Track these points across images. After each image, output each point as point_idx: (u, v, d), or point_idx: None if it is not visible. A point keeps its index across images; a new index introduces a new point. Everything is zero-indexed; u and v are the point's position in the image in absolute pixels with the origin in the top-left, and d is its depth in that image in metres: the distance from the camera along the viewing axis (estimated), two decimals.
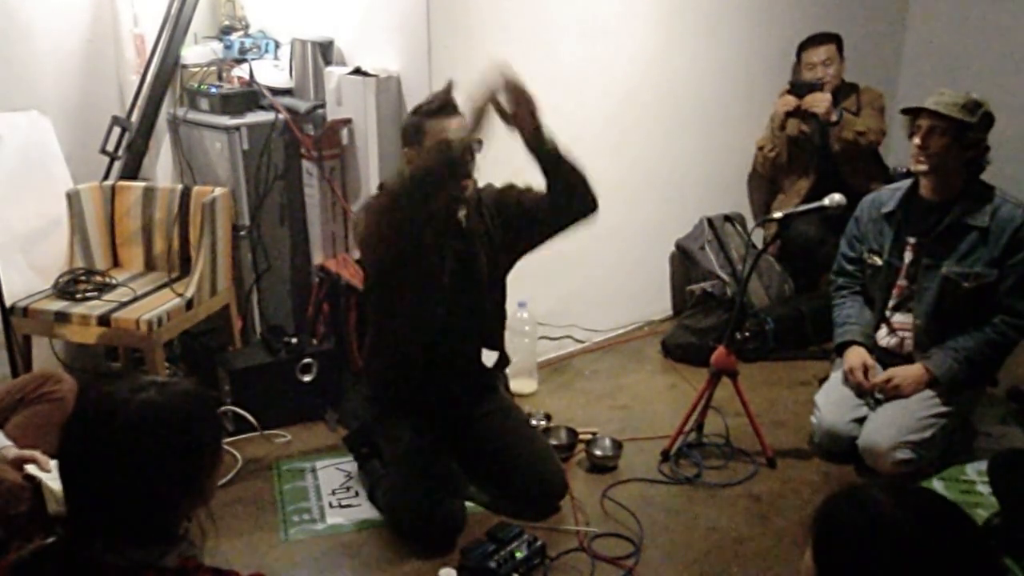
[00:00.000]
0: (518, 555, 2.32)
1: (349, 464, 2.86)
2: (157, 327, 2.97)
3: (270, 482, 2.82)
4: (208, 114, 3.33)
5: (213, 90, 3.32)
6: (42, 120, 3.26)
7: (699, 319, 3.66)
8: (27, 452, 2.11)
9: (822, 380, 3.12)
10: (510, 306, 3.12)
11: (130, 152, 3.43)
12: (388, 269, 2.50)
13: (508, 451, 2.65)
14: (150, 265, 3.40)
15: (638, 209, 3.78)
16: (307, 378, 3.15)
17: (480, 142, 2.45)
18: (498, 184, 2.67)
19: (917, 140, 2.75)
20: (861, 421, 2.83)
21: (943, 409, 2.77)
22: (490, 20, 3.14)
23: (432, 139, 2.39)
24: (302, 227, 3.47)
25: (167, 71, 3.42)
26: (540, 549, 2.38)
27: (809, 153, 3.94)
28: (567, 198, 2.50)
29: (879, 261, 2.93)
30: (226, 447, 2.88)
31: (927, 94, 2.79)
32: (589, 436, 2.96)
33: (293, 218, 3.45)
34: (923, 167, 2.76)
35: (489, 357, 2.78)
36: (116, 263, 3.43)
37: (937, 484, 2.75)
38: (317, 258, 3.44)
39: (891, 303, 2.93)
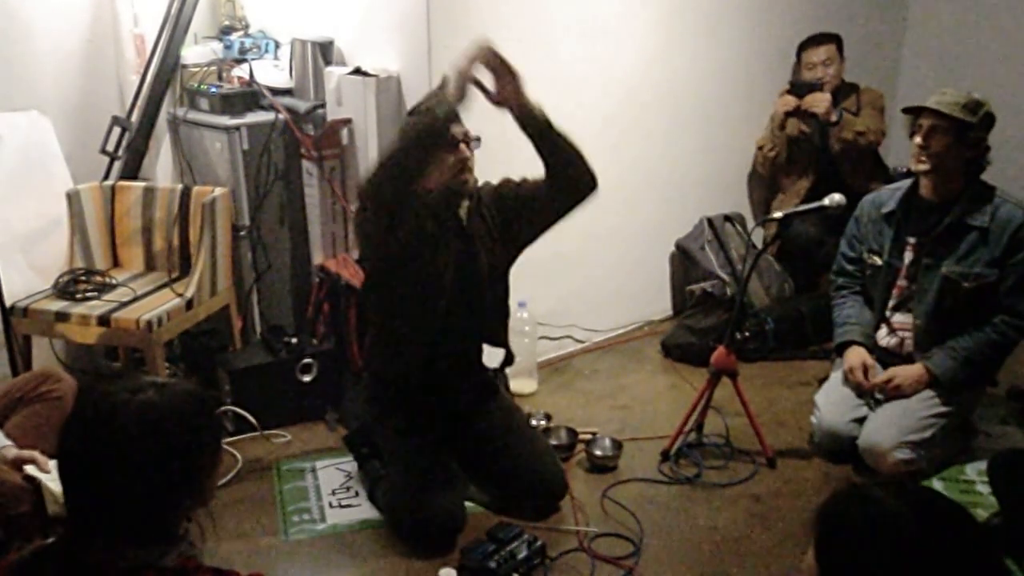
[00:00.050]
0: (518, 555, 2.32)
1: (349, 464, 2.86)
2: (157, 327, 2.97)
3: (270, 482, 2.82)
4: (208, 114, 3.33)
5: (213, 90, 3.32)
6: (42, 120, 3.26)
7: (699, 319, 3.66)
8: (26, 452, 2.11)
9: (822, 380, 3.12)
10: (510, 306, 3.12)
11: (130, 152, 3.43)
12: (387, 261, 2.49)
13: (508, 451, 2.65)
14: (150, 265, 3.40)
15: (638, 209, 3.78)
16: (307, 378, 3.15)
17: (478, 139, 2.46)
18: (494, 181, 2.67)
19: (918, 139, 2.75)
20: (861, 421, 2.83)
21: (943, 409, 2.77)
22: (490, 20, 3.14)
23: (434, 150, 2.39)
24: (302, 227, 3.47)
25: (167, 71, 3.42)
26: (540, 549, 2.38)
27: (809, 153, 3.94)
28: (564, 174, 2.48)
29: (879, 261, 2.93)
30: (226, 447, 2.88)
31: (927, 94, 2.79)
32: (589, 436, 2.96)
33: (293, 218, 3.45)
34: (924, 166, 2.76)
35: (494, 356, 2.78)
36: (116, 263, 3.43)
37: (937, 484, 2.75)
38: (317, 258, 3.44)
39: (891, 303, 2.93)
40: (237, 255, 3.37)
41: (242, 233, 3.35)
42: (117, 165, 3.45)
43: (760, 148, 4.02)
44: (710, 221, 3.89)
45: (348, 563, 2.46)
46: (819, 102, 3.74)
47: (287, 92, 3.46)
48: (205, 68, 3.45)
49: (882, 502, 1.14)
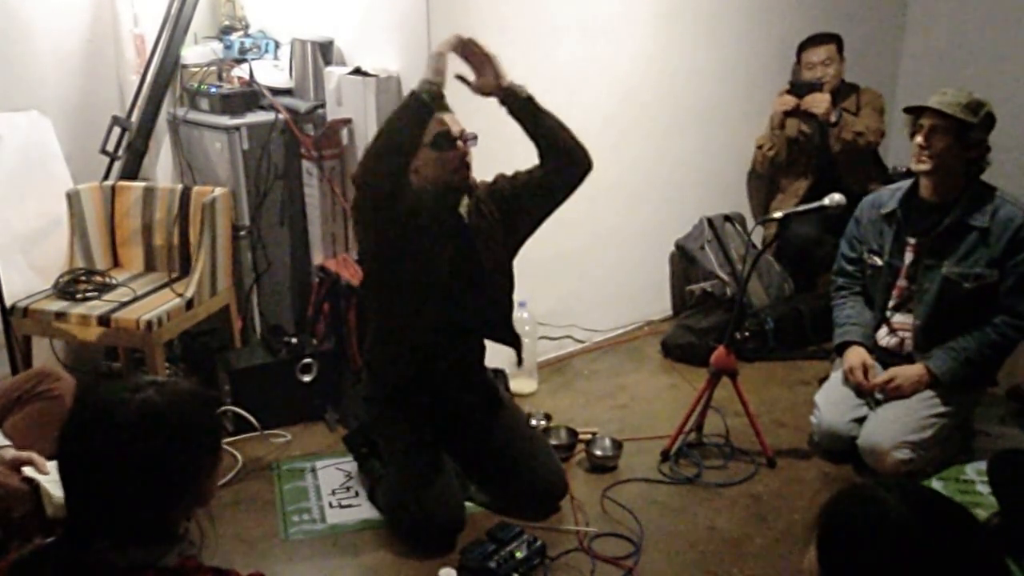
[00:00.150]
0: (518, 555, 2.32)
1: (349, 464, 2.86)
2: (157, 327, 2.97)
3: (270, 482, 2.82)
4: (208, 114, 3.33)
5: (213, 90, 3.32)
6: (42, 120, 3.26)
7: (699, 319, 3.66)
8: (24, 454, 2.11)
9: (822, 380, 3.12)
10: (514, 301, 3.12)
11: (130, 152, 3.43)
12: (385, 255, 2.49)
13: (508, 451, 2.65)
14: (150, 265, 3.40)
15: (638, 209, 3.78)
16: (307, 378, 3.15)
17: (475, 136, 2.46)
18: (488, 180, 2.67)
19: (919, 139, 2.75)
20: (861, 421, 2.83)
21: (943, 409, 2.77)
22: (490, 20, 3.14)
23: (427, 135, 2.40)
24: (302, 227, 3.47)
25: (167, 71, 3.42)
26: (540, 549, 2.38)
27: (808, 154, 3.94)
28: (555, 152, 2.50)
29: (879, 261, 2.93)
30: (226, 447, 2.88)
31: (927, 94, 2.79)
32: (589, 436, 2.96)
33: (293, 218, 3.45)
34: (925, 166, 2.76)
35: (497, 355, 2.77)
36: (116, 263, 3.43)
37: (937, 484, 2.75)
38: (317, 258, 3.44)
39: (891, 303, 2.93)
40: (237, 255, 3.37)
41: (242, 233, 3.35)
42: (117, 165, 3.45)
43: (760, 147, 4.02)
44: (710, 221, 3.89)
45: (348, 563, 2.46)
46: (819, 102, 3.74)
47: (287, 92, 3.46)
48: (205, 68, 3.45)
49: (884, 502, 1.14)
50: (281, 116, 3.31)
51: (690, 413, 2.91)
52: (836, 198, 2.76)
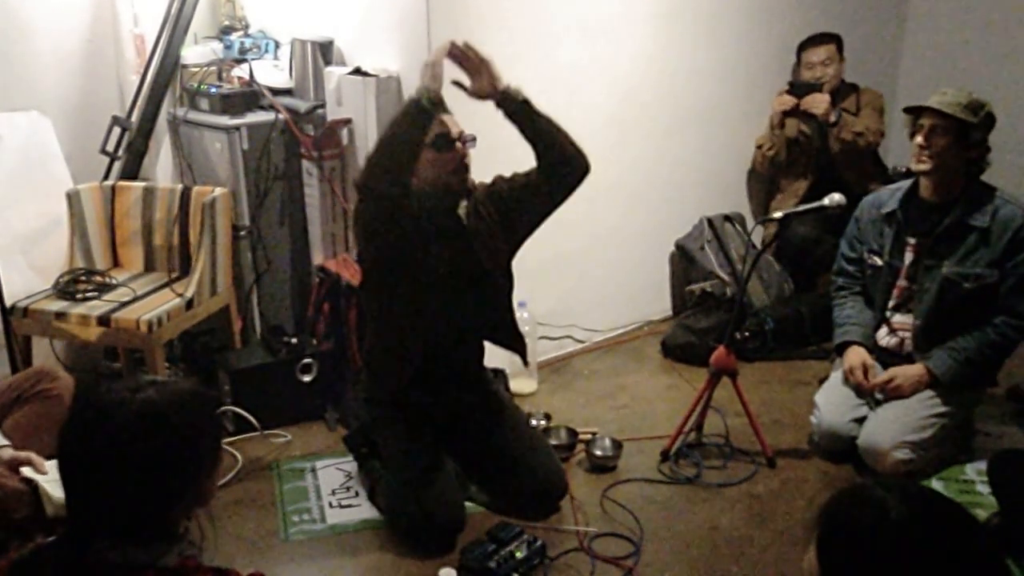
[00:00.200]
0: (518, 555, 2.32)
1: (349, 464, 2.86)
2: (157, 327, 2.97)
3: (270, 482, 2.82)
4: (208, 114, 3.33)
5: (213, 90, 3.32)
6: (42, 120, 3.26)
7: (699, 319, 3.66)
8: (22, 454, 2.10)
9: (822, 380, 3.12)
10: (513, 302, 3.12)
11: (130, 152, 3.43)
12: (385, 258, 2.49)
13: (508, 451, 2.65)
14: (150, 265, 3.40)
15: (638, 209, 3.78)
16: (307, 378, 3.15)
17: (474, 138, 2.46)
18: (487, 181, 2.67)
19: (919, 139, 2.74)
20: (861, 421, 2.83)
21: (943, 409, 2.77)
22: (490, 20, 3.14)
23: (426, 137, 2.40)
24: (302, 227, 3.47)
25: (167, 71, 3.42)
26: (540, 549, 2.38)
27: (808, 154, 3.94)
28: (552, 156, 2.49)
29: (879, 262, 2.93)
30: (226, 447, 2.88)
31: (927, 94, 2.79)
32: (589, 436, 2.96)
33: (293, 218, 3.45)
34: (925, 166, 2.76)
35: (499, 356, 2.77)
36: (116, 263, 3.43)
37: (937, 484, 2.75)
38: (317, 258, 3.44)
39: (891, 303, 2.93)
40: (237, 255, 3.37)
41: (242, 233, 3.35)
42: (117, 165, 3.45)
43: (759, 147, 4.02)
44: (710, 221, 3.89)
45: (348, 563, 2.46)
46: (818, 103, 3.74)
47: (287, 92, 3.46)
48: (205, 68, 3.45)
49: (883, 502, 1.14)
50: (281, 116, 3.31)
51: (690, 413, 2.91)
52: (836, 198, 2.76)
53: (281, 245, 3.46)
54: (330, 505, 2.70)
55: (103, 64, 3.49)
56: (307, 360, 3.14)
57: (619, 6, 3.49)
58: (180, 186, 3.37)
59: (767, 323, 3.59)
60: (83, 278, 3.18)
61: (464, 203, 2.55)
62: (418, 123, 2.33)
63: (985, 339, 2.76)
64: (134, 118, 3.42)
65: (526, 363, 2.90)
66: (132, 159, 3.44)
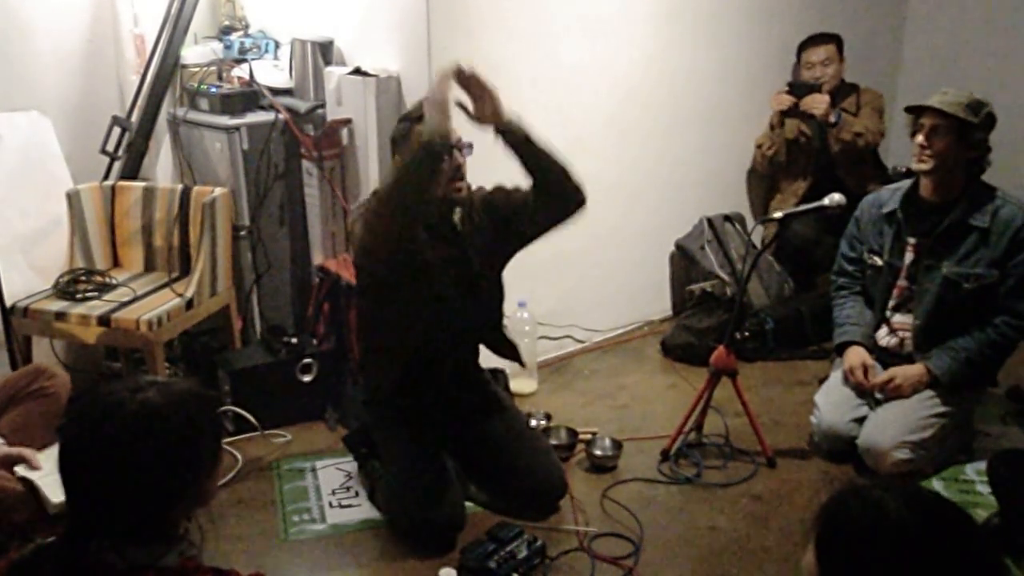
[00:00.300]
0: (518, 555, 2.32)
1: (349, 464, 2.86)
2: (157, 327, 2.97)
3: (270, 482, 2.82)
4: (208, 114, 3.33)
5: (213, 90, 3.32)
6: (42, 120, 3.26)
7: (699, 319, 3.66)
8: (14, 450, 2.10)
9: (822, 380, 3.12)
10: (510, 306, 3.12)
11: (130, 152, 3.43)
12: (383, 273, 2.49)
13: (508, 451, 2.65)
14: (150, 265, 3.40)
15: (638, 209, 3.78)
16: (307, 378, 3.15)
17: (471, 145, 2.45)
18: (488, 187, 2.66)
19: (920, 139, 2.74)
20: (861, 421, 2.83)
21: (943, 409, 2.77)
22: (490, 20, 3.14)
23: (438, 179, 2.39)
24: (302, 227, 3.47)
25: (167, 71, 3.42)
26: (540, 549, 2.38)
27: (808, 154, 3.94)
28: (549, 189, 2.48)
29: (879, 261, 2.93)
30: (226, 447, 2.88)
31: (927, 94, 2.79)
32: (589, 436, 2.96)
33: (293, 218, 3.45)
34: (925, 166, 2.75)
35: (496, 359, 2.78)
36: (116, 263, 3.43)
37: (937, 484, 2.75)
38: (317, 258, 3.44)
39: (891, 303, 2.93)
40: (237, 255, 3.37)
41: (242, 233, 3.35)
42: (117, 165, 3.45)
43: (759, 147, 4.02)
44: (710, 221, 3.90)
45: (348, 563, 2.46)
46: (818, 103, 3.74)
47: (287, 92, 3.46)
48: (205, 68, 3.45)
49: (882, 502, 1.14)
50: (281, 116, 3.31)
51: (690, 413, 2.91)
52: (836, 198, 2.76)
53: (281, 245, 3.46)
54: (330, 505, 2.70)
55: (103, 64, 3.49)
56: (307, 360, 3.14)
57: (619, 6, 3.49)
58: (180, 186, 3.37)
59: (767, 323, 3.60)
60: (83, 278, 3.18)
61: (459, 209, 2.55)
62: (430, 166, 2.29)
63: (985, 339, 2.76)
64: (134, 118, 3.42)
65: (522, 364, 2.90)
66: (132, 159, 3.44)
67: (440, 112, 2.28)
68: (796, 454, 2.94)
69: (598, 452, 2.88)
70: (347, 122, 3.28)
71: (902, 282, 2.89)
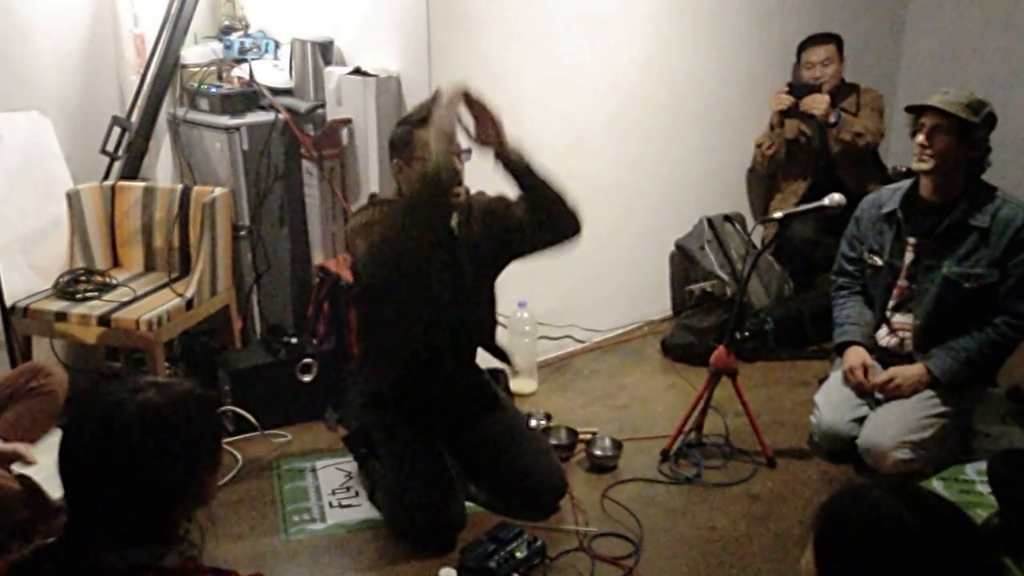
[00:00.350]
0: (518, 555, 2.32)
1: (349, 464, 2.86)
2: (157, 327, 2.97)
3: (270, 482, 2.82)
4: (208, 114, 3.33)
5: (213, 90, 3.32)
6: (42, 120, 3.26)
7: (699, 319, 3.66)
8: (9, 447, 2.10)
9: (822, 380, 3.12)
10: (510, 306, 3.12)
11: (130, 152, 3.43)
12: (381, 283, 2.49)
13: (508, 451, 2.65)
14: (150, 265, 3.40)
15: (638, 209, 3.78)
16: (307, 378, 3.15)
17: (469, 151, 2.44)
18: (491, 193, 2.65)
19: (921, 138, 2.74)
20: (861, 421, 2.83)
21: (943, 409, 2.77)
22: (490, 20, 3.14)
23: (420, 149, 2.37)
24: (302, 227, 3.47)
25: (167, 71, 3.42)
26: (540, 549, 2.38)
27: (808, 154, 3.94)
28: (545, 215, 2.49)
29: (879, 261, 2.93)
30: (226, 447, 2.88)
31: (927, 94, 2.79)
32: (589, 436, 2.96)
33: (293, 218, 3.45)
34: (926, 165, 2.75)
35: (489, 360, 2.78)
36: (116, 263, 3.43)
37: (937, 484, 2.75)
38: (317, 258, 3.44)
39: (891, 303, 2.93)
40: (237, 255, 3.37)
41: (242, 233, 3.35)
42: (117, 165, 3.45)
43: (759, 146, 4.02)
44: (710, 221, 3.90)
45: (348, 563, 2.46)
46: (818, 103, 3.74)
47: (287, 92, 3.46)
48: (205, 68, 3.45)
49: (881, 502, 1.14)
50: (281, 116, 3.31)
51: (690, 413, 2.91)
52: (836, 198, 2.76)
53: (281, 245, 3.46)
54: (330, 505, 2.70)
55: (103, 64, 3.49)
56: (307, 360, 3.14)
57: (619, 6, 3.49)
58: (180, 186, 3.37)
59: (767, 323, 3.60)
60: (83, 278, 3.18)
61: (456, 215, 2.54)
62: (437, 197, 2.30)
63: (985, 339, 2.76)
64: (134, 118, 3.42)
65: (514, 371, 2.90)
66: (132, 159, 3.44)
67: (448, 143, 2.28)
68: (796, 454, 2.94)
69: (598, 452, 2.88)
70: (347, 122, 3.28)
71: (902, 282, 2.89)
